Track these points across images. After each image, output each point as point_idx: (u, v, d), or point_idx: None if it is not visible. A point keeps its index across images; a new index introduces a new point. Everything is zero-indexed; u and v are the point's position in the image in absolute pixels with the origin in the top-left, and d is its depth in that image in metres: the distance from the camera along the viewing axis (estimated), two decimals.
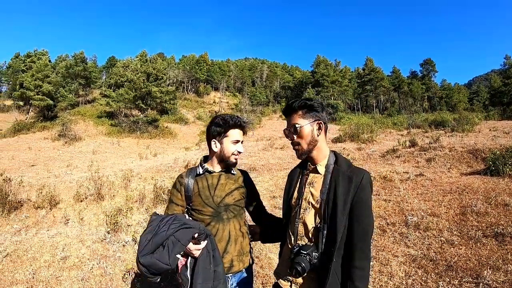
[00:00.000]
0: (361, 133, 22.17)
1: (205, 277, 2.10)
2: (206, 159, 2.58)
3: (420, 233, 5.60)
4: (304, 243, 1.96)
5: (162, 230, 2.07)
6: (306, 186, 2.06)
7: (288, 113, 2.11)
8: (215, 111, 66.10)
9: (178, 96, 65.17)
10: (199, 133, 48.39)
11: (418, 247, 5.19)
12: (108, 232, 6.72)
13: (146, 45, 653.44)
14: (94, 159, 24.33)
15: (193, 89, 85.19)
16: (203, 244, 2.14)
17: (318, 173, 2.06)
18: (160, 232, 2.06)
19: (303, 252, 1.85)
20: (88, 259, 5.58)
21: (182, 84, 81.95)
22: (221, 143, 2.45)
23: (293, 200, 2.10)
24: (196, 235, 2.13)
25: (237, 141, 2.45)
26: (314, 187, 2.02)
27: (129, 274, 4.97)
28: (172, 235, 2.06)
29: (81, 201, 9.41)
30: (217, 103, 74.22)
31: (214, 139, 2.47)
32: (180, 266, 2.15)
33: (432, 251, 5.05)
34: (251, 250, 2.60)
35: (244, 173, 2.71)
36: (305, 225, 1.98)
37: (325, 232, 1.87)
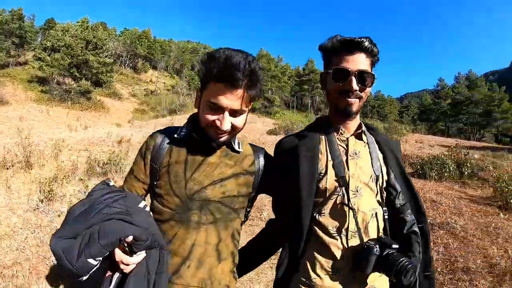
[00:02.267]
0: (295, 128, 23.93)
1: None
2: (195, 118, 1.62)
3: None
4: (371, 239, 1.52)
5: (93, 209, 1.33)
6: (350, 158, 1.61)
7: (368, 49, 1.57)
8: (151, 90, 68.15)
9: (115, 70, 64.48)
10: (132, 110, 48.52)
11: None
12: (42, 201, 6.61)
13: (89, 12, 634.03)
14: (21, 126, 22.11)
15: (131, 65, 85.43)
16: (137, 257, 1.35)
17: (361, 140, 1.69)
18: (89, 211, 1.32)
19: (395, 246, 1.44)
20: (21, 228, 5.58)
21: (120, 58, 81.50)
22: (199, 98, 1.55)
23: (327, 181, 1.56)
24: (130, 238, 1.31)
25: (219, 107, 1.44)
26: (362, 158, 1.63)
27: None
28: (98, 223, 1.29)
29: (7, 168, 8.96)
30: (154, 82, 75.48)
31: (198, 89, 1.59)
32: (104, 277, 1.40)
33: None
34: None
35: (260, 152, 1.79)
36: (360, 212, 1.55)
37: (409, 211, 1.61)
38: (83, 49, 47.49)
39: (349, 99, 1.58)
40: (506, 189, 8.63)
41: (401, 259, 1.37)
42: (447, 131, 60.66)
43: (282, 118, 40.58)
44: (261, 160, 1.73)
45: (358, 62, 1.55)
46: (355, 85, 1.54)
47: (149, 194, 1.69)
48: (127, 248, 1.34)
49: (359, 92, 1.58)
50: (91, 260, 1.22)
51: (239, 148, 1.68)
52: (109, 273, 1.39)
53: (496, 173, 11.67)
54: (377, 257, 1.42)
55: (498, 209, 8.28)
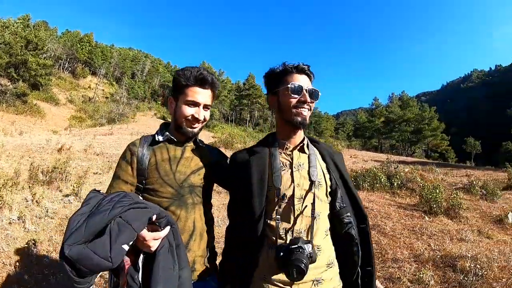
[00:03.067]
0: (235, 142, 25.37)
1: (168, 282, 1.57)
2: (167, 126, 2.23)
3: None
4: (295, 238, 1.77)
5: (105, 208, 1.52)
6: (294, 169, 1.90)
7: (309, 74, 2.00)
8: (89, 97, 66.24)
9: (54, 73, 63.32)
10: (69, 117, 46.49)
11: None
12: None
13: (30, 9, 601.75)
14: None
15: (70, 69, 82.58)
16: (165, 231, 1.65)
17: (304, 152, 1.99)
18: (100, 211, 1.49)
19: (297, 246, 1.69)
20: None
21: (59, 61, 78.58)
22: (176, 102, 2.12)
23: (275, 190, 1.84)
24: (154, 218, 1.61)
25: (195, 103, 2.05)
26: (305, 169, 1.91)
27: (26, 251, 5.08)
28: (119, 215, 1.50)
29: None
30: (93, 89, 73.46)
31: (170, 96, 2.18)
32: (126, 266, 1.62)
33: None
34: (216, 253, 2.25)
35: (215, 151, 2.40)
36: (304, 217, 1.82)
37: (348, 214, 1.91)
38: (23, 48, 46.32)
39: (303, 111, 1.92)
40: (430, 196, 9.93)
41: (298, 252, 1.66)
42: (380, 147, 63.98)
43: (221, 132, 41.28)
44: (215, 157, 2.29)
45: (307, 82, 1.96)
46: (308, 98, 1.91)
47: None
48: (157, 223, 1.63)
49: (310, 104, 1.95)
50: (124, 246, 1.45)
51: (202, 144, 2.26)
52: (128, 263, 1.62)
53: (422, 183, 12.98)
54: (284, 251, 1.71)
55: (423, 213, 9.52)
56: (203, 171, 2.13)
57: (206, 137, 32.52)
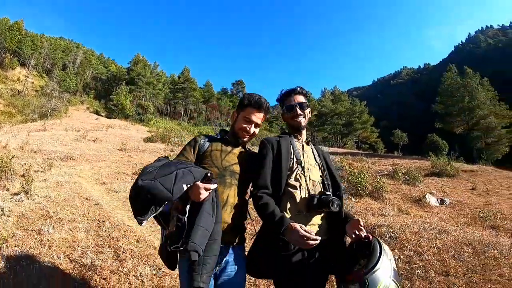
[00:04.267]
0: (171, 136, 25.92)
1: (207, 223, 2.20)
2: (225, 132, 3.02)
3: None
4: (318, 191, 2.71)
5: (173, 164, 2.33)
6: (304, 153, 2.85)
7: (301, 93, 2.96)
8: (18, 90, 62.20)
9: None
10: None
11: None
12: None
13: None
14: None
15: None
16: (214, 186, 2.33)
17: (308, 145, 2.98)
18: (170, 164, 2.31)
19: (328, 194, 2.61)
20: None
21: None
22: (237, 115, 2.94)
23: (293, 163, 2.72)
24: (209, 175, 2.35)
25: (250, 121, 2.83)
26: (308, 154, 2.87)
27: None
28: (185, 168, 2.29)
29: None
30: (22, 81, 68.35)
31: (234, 111, 3.00)
32: (175, 212, 2.28)
33: None
34: (245, 228, 2.83)
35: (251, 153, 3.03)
36: (311, 180, 2.72)
37: (329, 182, 2.79)
38: None
39: (297, 120, 2.89)
40: (356, 181, 11.21)
41: (330, 198, 2.53)
42: (313, 139, 65.78)
43: (155, 126, 40.94)
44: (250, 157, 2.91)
45: (298, 98, 2.92)
46: (299, 111, 2.88)
47: None
48: (211, 179, 2.33)
49: (303, 113, 2.89)
50: (184, 186, 2.19)
51: (248, 150, 2.98)
52: (180, 206, 2.27)
53: (350, 170, 14.16)
54: (317, 199, 2.55)
55: (350, 195, 10.70)
56: (244, 164, 2.79)
57: (141, 131, 32.75)
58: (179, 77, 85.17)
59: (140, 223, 2.13)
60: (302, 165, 2.74)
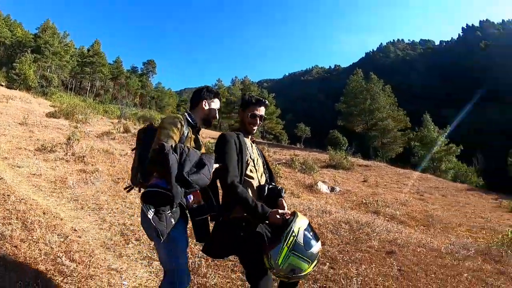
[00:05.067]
0: (76, 112, 24.12)
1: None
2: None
3: None
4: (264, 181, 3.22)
5: (190, 153, 2.69)
6: (253, 149, 3.24)
7: (264, 105, 3.28)
8: None
9: None
10: None
11: None
12: None
13: None
14: None
15: None
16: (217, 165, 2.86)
17: (254, 143, 3.38)
18: (191, 153, 2.69)
19: (273, 184, 3.26)
20: None
21: None
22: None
23: (248, 158, 3.09)
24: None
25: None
26: (255, 151, 3.27)
27: None
28: (202, 154, 2.81)
29: None
30: None
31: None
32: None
33: None
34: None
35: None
36: (260, 172, 3.19)
37: (267, 175, 3.31)
38: None
39: (254, 128, 3.24)
40: None
41: (278, 187, 3.16)
42: (219, 127, 66.33)
43: (59, 101, 38.58)
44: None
45: (262, 111, 3.25)
46: (259, 122, 3.23)
47: None
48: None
49: (259, 124, 3.27)
50: (212, 170, 2.74)
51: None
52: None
53: None
54: (268, 189, 3.06)
55: None
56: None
57: (43, 105, 30.24)
58: (88, 50, 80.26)
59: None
60: (254, 159, 3.15)
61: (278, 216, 2.71)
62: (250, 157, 3.10)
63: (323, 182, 12.92)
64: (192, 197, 2.70)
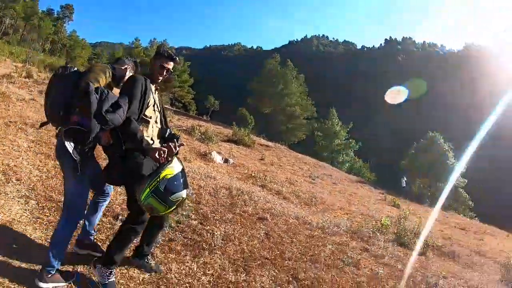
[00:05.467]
0: None
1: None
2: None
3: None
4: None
5: (109, 95, 2.96)
6: (156, 95, 3.50)
7: (174, 61, 3.47)
8: None
9: None
10: None
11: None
12: None
13: None
14: None
15: None
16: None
17: (157, 91, 3.60)
18: (110, 95, 2.97)
19: (170, 129, 3.57)
20: None
21: None
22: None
23: (150, 100, 3.34)
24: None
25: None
26: (156, 97, 3.52)
27: None
28: (120, 98, 3.11)
29: None
30: None
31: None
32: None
33: None
34: None
35: None
36: (158, 116, 3.49)
37: (164, 120, 3.58)
38: None
39: (160, 78, 3.45)
40: None
41: (177, 135, 3.48)
42: None
43: None
44: None
45: (171, 65, 3.44)
46: (165, 74, 3.41)
47: None
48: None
49: (166, 76, 3.46)
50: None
51: None
52: None
53: None
54: (169, 133, 3.44)
55: None
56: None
57: None
58: None
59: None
60: (155, 103, 3.41)
61: (156, 156, 2.99)
62: (153, 99, 3.37)
63: (219, 153, 13.09)
64: (103, 136, 2.96)
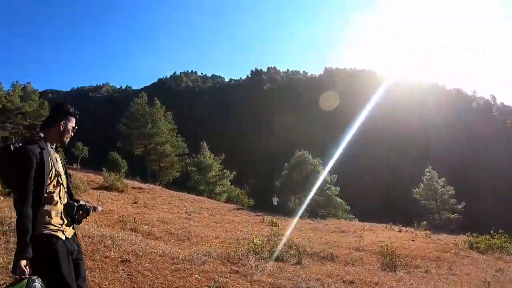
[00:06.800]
0: None
1: None
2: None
3: None
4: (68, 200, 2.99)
5: None
6: (57, 161, 2.97)
7: (76, 117, 3.15)
8: None
9: None
10: None
11: None
12: None
13: None
14: None
15: None
16: None
17: (56, 150, 3.05)
18: None
19: (78, 200, 3.06)
20: None
21: None
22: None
23: (53, 172, 2.86)
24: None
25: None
26: (59, 162, 2.99)
27: None
28: None
29: None
30: None
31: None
32: None
33: None
34: None
35: None
36: (64, 186, 2.98)
37: (66, 189, 3.02)
38: None
39: (67, 140, 3.04)
40: None
41: (87, 205, 3.03)
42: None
43: None
44: None
45: (75, 122, 3.09)
46: (72, 134, 3.09)
47: None
48: None
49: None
50: None
51: None
52: None
53: None
54: (77, 207, 2.94)
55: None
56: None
57: None
58: None
59: None
60: (59, 173, 2.93)
61: (21, 268, 2.41)
62: (55, 171, 2.90)
63: (86, 202, 12.63)
64: None
